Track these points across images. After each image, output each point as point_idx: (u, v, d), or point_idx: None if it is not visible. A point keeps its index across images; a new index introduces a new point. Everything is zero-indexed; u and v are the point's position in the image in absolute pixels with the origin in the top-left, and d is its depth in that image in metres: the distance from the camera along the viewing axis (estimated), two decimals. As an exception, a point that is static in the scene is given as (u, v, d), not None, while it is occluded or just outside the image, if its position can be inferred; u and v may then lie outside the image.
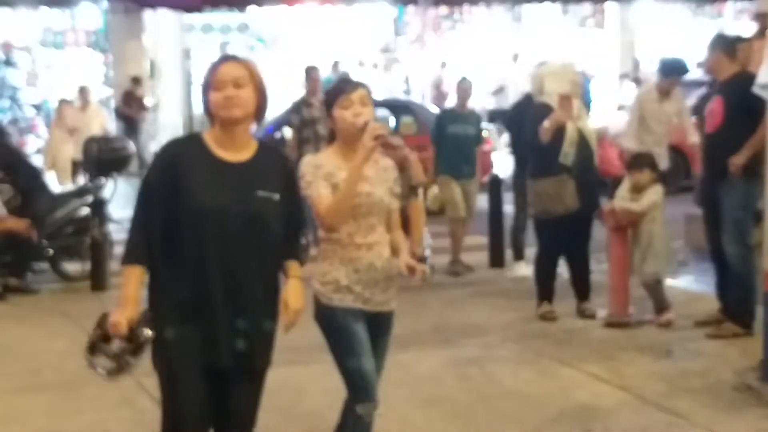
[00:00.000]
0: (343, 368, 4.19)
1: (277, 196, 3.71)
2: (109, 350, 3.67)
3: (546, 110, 7.50)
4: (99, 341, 3.69)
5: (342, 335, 4.16)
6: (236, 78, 3.65)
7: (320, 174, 4.09)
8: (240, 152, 3.71)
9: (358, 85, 4.25)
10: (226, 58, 3.78)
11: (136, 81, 16.77)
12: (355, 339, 4.14)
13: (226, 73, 3.66)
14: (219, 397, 3.74)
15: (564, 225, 7.50)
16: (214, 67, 3.71)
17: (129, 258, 3.69)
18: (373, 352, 4.21)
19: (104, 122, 15.59)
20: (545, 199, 7.46)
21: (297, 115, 10.36)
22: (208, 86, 3.69)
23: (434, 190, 9.31)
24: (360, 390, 4.16)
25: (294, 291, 3.81)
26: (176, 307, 3.65)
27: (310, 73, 10.72)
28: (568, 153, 7.36)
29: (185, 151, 3.72)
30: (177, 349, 3.65)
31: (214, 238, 3.61)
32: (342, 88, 4.26)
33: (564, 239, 7.68)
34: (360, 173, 4.03)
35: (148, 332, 3.64)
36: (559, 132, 7.37)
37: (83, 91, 15.66)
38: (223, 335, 3.66)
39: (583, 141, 7.43)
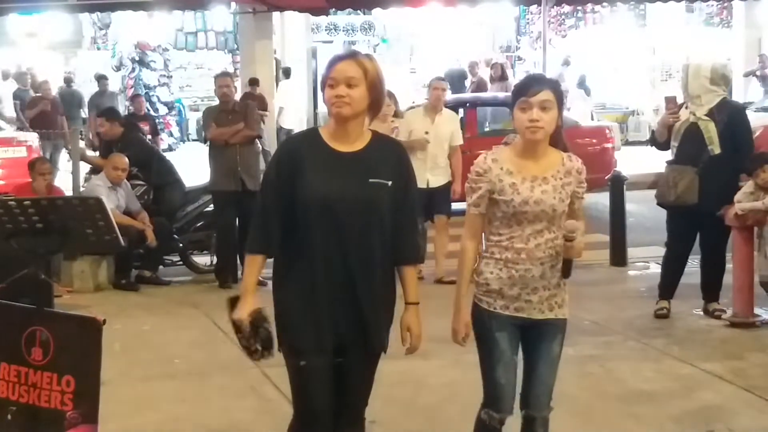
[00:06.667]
0: (481, 371, 4.08)
1: (390, 183, 3.79)
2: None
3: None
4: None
5: (483, 339, 4.02)
6: (349, 78, 3.72)
7: (484, 180, 3.94)
8: (353, 144, 3.81)
9: (541, 87, 3.89)
10: (342, 57, 3.84)
11: (254, 82, 17.17)
12: (495, 346, 3.99)
13: (341, 72, 3.74)
14: (337, 378, 3.84)
15: (692, 219, 7.40)
16: (332, 64, 3.80)
17: (252, 247, 3.87)
18: (535, 361, 4.04)
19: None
20: (661, 185, 7.54)
21: None
22: (324, 82, 3.80)
23: None
24: (489, 398, 4.05)
25: (415, 318, 3.88)
26: (301, 292, 3.78)
27: None
28: (673, 146, 7.50)
29: (302, 145, 3.86)
30: (303, 336, 3.77)
31: (334, 226, 3.71)
32: (523, 88, 3.92)
33: (693, 236, 7.56)
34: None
35: (266, 330, 3.80)
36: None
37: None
38: (345, 319, 3.77)
39: (690, 134, 7.33)
